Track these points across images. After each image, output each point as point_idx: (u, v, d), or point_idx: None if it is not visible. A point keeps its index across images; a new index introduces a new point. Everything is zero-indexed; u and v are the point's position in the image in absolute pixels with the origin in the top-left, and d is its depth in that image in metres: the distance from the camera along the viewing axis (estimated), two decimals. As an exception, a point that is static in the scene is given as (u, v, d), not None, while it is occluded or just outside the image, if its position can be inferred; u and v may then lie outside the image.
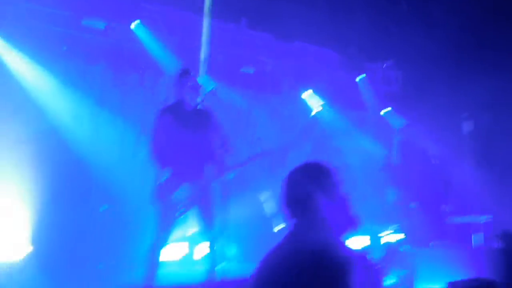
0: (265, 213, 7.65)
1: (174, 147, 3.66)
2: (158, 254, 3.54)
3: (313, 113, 9.24)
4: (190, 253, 5.72)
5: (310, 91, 9.03)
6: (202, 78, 7.16)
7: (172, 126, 3.67)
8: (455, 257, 4.12)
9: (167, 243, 3.66)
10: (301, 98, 9.14)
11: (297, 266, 1.62)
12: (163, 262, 3.75)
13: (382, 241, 5.97)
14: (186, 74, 3.81)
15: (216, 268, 3.60)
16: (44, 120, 6.22)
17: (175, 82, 3.81)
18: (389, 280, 3.92)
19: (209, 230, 3.63)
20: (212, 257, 3.58)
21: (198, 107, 3.80)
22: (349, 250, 1.71)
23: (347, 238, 1.83)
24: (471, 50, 7.46)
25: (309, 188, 1.79)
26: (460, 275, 3.38)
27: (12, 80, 6.07)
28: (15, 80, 6.12)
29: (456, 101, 7.58)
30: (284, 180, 1.88)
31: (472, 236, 4.99)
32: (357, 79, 9.30)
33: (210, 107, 3.61)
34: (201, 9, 7.29)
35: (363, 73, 9.39)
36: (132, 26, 6.79)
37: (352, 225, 1.83)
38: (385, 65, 9.87)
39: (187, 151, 3.66)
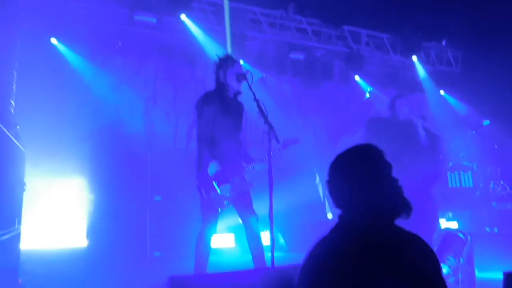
0: (316, 198, 7.59)
1: (219, 136, 3.64)
2: (208, 242, 3.60)
3: (366, 97, 9.00)
4: (242, 241, 5.81)
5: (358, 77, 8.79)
6: (248, 66, 7.20)
7: (217, 112, 3.59)
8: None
9: (215, 232, 3.69)
10: (354, 82, 8.92)
11: (357, 254, 1.57)
12: (215, 250, 3.80)
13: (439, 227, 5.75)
14: (229, 60, 3.74)
15: (263, 254, 3.57)
16: (103, 116, 6.54)
17: (218, 67, 3.74)
18: (444, 268, 3.78)
19: (250, 216, 3.59)
20: (258, 243, 3.56)
21: (240, 94, 3.75)
22: (409, 235, 1.62)
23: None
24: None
25: (357, 174, 1.72)
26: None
27: (73, 78, 6.40)
28: (76, 79, 6.44)
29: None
30: (330, 165, 1.80)
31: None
32: (413, 59, 8.88)
33: (255, 94, 3.50)
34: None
35: (419, 52, 8.94)
36: (182, 18, 6.89)
37: (403, 211, 1.72)
38: (443, 43, 9.33)
39: (231, 138, 3.65)
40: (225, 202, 3.62)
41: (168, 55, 7.38)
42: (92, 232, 5.50)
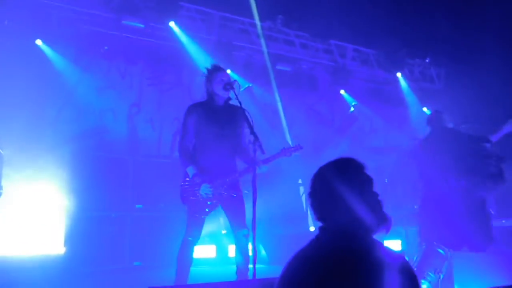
0: (299, 210, 7.58)
1: (202, 145, 3.66)
2: (190, 252, 3.57)
3: (350, 111, 9.11)
4: (223, 252, 5.75)
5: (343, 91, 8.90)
6: (235, 75, 7.21)
7: (201, 121, 3.65)
8: (495, 263, 3.93)
9: (198, 241, 3.66)
10: (339, 95, 9.02)
11: (336, 267, 1.56)
12: (196, 260, 3.77)
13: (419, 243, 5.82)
14: (217, 70, 3.77)
15: (248, 268, 3.55)
16: (86, 120, 6.43)
17: (206, 77, 3.77)
18: (424, 284, 3.80)
19: (240, 229, 3.59)
20: (244, 257, 3.54)
21: (230, 102, 3.75)
22: (390, 251, 1.63)
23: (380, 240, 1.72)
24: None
25: (339, 186, 1.70)
26: (500, 281, 3.23)
27: (56, 81, 6.29)
28: (60, 81, 6.34)
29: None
30: (313, 177, 1.79)
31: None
32: (398, 75, 9.04)
33: (241, 104, 3.53)
34: (238, 8, 7.33)
35: (403, 69, 9.12)
36: (171, 24, 6.88)
37: (383, 226, 1.71)
38: (427, 60, 9.53)
39: (216, 147, 3.64)
40: (206, 209, 3.61)
41: (155, 61, 7.33)
42: (70, 239, 5.37)
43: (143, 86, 7.29)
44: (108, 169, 5.82)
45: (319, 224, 1.77)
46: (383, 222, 1.71)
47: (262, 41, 7.66)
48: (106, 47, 6.81)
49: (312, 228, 7.56)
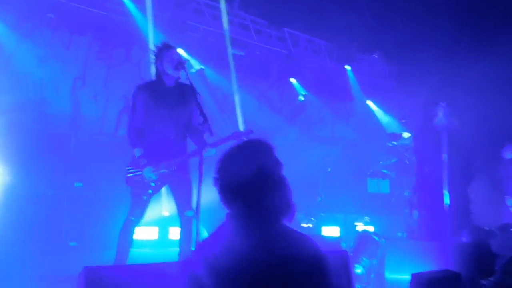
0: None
1: (150, 126, 3.60)
2: (130, 234, 3.52)
3: (300, 99, 9.24)
4: (162, 235, 5.70)
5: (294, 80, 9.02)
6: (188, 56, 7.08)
7: (150, 102, 3.57)
8: (424, 250, 4.21)
9: (140, 223, 3.63)
10: (289, 84, 9.12)
11: (272, 259, 1.51)
12: (138, 242, 3.72)
13: (356, 229, 6.08)
14: (167, 48, 3.67)
15: (191, 250, 3.54)
16: (25, 91, 6.07)
17: (156, 55, 3.67)
18: (358, 268, 3.98)
19: (186, 210, 3.57)
20: (188, 239, 3.53)
21: (181, 81, 3.69)
22: (300, 237, 1.60)
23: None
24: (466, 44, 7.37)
25: (245, 170, 1.59)
26: (427, 267, 3.45)
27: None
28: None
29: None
30: (219, 160, 1.67)
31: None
32: (347, 68, 9.28)
33: (192, 84, 3.47)
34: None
35: (353, 63, 9.37)
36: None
37: (288, 213, 1.62)
38: (375, 56, 9.84)
39: (165, 128, 3.59)
40: (150, 190, 3.58)
41: (104, 34, 7.00)
42: (3, 217, 5.08)
43: (90, 60, 6.97)
44: (47, 144, 5.54)
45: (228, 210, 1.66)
46: (288, 209, 1.63)
47: (225, 23, 7.51)
48: (51, 15, 6.41)
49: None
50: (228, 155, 1.68)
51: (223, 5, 7.45)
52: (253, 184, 1.60)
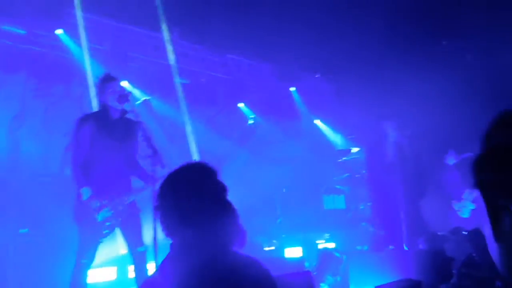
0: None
1: (97, 160, 3.43)
2: (84, 278, 3.29)
3: (249, 123, 9.33)
4: (121, 274, 5.42)
5: (242, 104, 9.12)
6: (132, 87, 6.94)
7: (96, 133, 3.42)
8: (384, 260, 4.29)
9: (92, 265, 3.41)
10: (237, 108, 9.19)
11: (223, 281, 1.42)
12: (91, 285, 3.51)
13: (317, 248, 6.11)
14: (109, 80, 3.56)
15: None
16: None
17: (98, 87, 3.55)
18: (324, 287, 3.98)
19: (137, 246, 3.42)
20: (142, 275, 3.37)
21: (126, 115, 3.57)
22: (249, 262, 1.53)
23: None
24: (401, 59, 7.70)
25: (187, 196, 1.49)
26: (390, 278, 3.51)
27: None
28: None
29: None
30: (159, 187, 1.57)
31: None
32: (291, 90, 9.51)
33: (139, 117, 3.39)
34: (131, 18, 7.09)
35: (298, 83, 9.61)
36: (58, 32, 6.40)
37: (238, 239, 1.53)
38: (317, 75, 10.15)
39: (110, 161, 3.44)
40: (105, 231, 3.38)
41: (40, 71, 6.72)
42: None
43: (27, 98, 6.63)
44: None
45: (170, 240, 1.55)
46: (238, 235, 1.54)
47: (170, 53, 7.49)
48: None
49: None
50: (169, 180, 1.58)
51: (166, 36, 7.44)
52: (198, 209, 1.49)
